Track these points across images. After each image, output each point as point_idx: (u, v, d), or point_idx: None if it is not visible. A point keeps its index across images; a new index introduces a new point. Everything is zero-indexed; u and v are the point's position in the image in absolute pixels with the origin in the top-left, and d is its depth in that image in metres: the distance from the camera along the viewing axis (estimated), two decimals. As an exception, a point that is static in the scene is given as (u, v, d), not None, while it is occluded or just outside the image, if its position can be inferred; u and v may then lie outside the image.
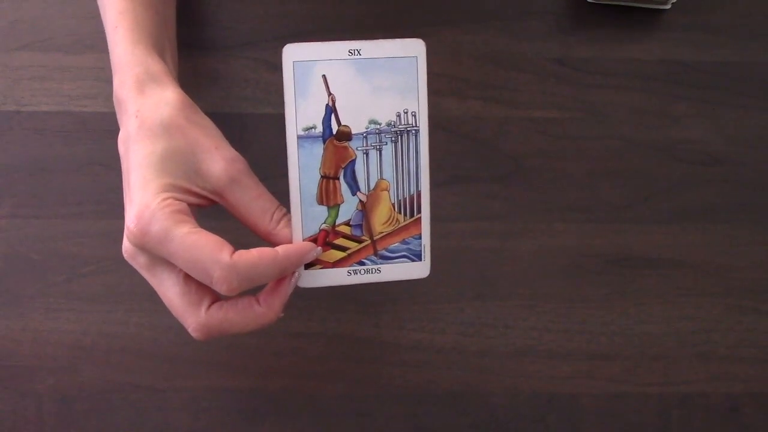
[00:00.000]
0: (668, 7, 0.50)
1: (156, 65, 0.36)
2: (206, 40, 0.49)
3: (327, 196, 0.34)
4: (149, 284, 0.34)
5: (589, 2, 0.50)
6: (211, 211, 0.36)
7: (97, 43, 0.48)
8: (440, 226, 0.47)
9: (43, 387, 0.44)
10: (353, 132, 0.34)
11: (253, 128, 0.48)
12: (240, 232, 0.35)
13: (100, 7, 0.40)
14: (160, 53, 0.38)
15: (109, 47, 0.38)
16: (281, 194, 0.35)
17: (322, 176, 0.34)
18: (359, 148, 0.34)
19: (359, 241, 0.35)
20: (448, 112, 0.49)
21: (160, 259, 0.32)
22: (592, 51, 0.50)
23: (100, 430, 0.44)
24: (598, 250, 0.47)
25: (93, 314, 0.45)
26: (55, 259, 0.46)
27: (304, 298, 0.46)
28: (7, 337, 0.45)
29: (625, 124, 0.49)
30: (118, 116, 0.36)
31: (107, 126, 0.47)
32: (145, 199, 0.32)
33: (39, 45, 0.48)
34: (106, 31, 0.38)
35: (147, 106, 0.34)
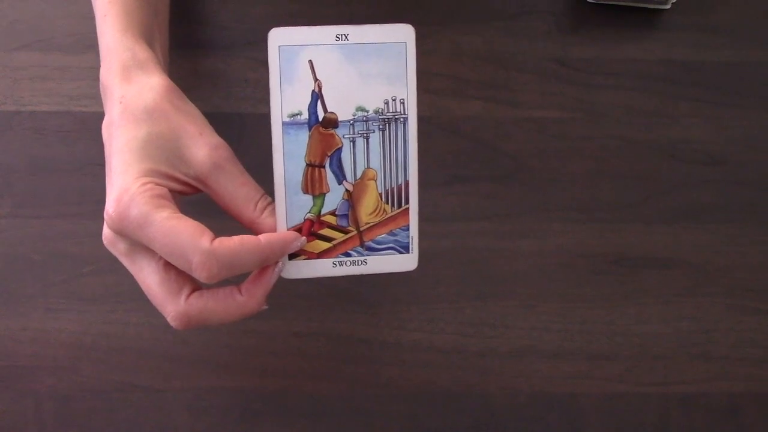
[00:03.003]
0: (668, 7, 0.50)
1: (143, 52, 0.36)
2: (206, 40, 0.49)
3: (312, 185, 0.34)
4: (140, 286, 0.33)
5: (589, 2, 0.50)
6: (197, 201, 0.36)
7: (97, 43, 0.48)
8: (440, 226, 0.47)
9: (43, 387, 0.44)
10: (340, 119, 0.33)
11: (253, 128, 0.48)
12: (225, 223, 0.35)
13: None
14: (149, 42, 0.37)
15: (98, 35, 0.38)
16: (270, 189, 0.34)
17: (307, 164, 0.33)
18: (346, 136, 0.34)
19: (345, 232, 0.34)
20: (448, 112, 0.49)
21: (140, 246, 0.32)
22: (592, 51, 0.50)
23: (100, 430, 0.44)
24: (598, 250, 0.47)
25: (93, 314, 0.45)
26: (55, 259, 0.46)
27: (304, 298, 0.46)
28: (7, 337, 0.45)
29: (625, 124, 0.49)
30: (103, 102, 0.36)
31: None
32: (125, 183, 0.31)
33: (39, 45, 0.48)
34: (96, 20, 0.38)
35: (132, 92, 0.34)
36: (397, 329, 0.46)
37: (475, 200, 0.48)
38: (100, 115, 0.49)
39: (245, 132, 0.48)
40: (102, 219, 0.46)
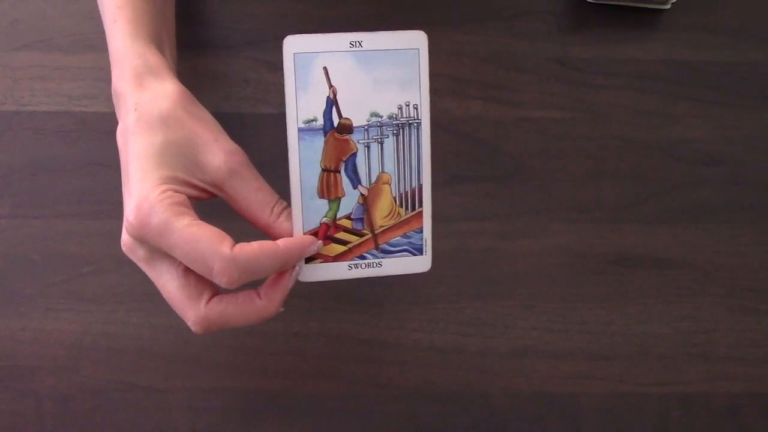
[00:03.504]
0: (668, 7, 0.50)
1: (154, 58, 0.36)
2: (206, 40, 0.49)
3: (328, 190, 0.34)
4: (150, 284, 0.33)
5: (589, 2, 0.50)
6: (211, 208, 0.36)
7: (97, 43, 0.48)
8: (440, 226, 0.47)
9: (43, 387, 0.44)
10: (354, 125, 0.34)
11: (253, 128, 0.48)
12: (241, 228, 0.35)
13: (98, 2, 0.40)
14: (159, 46, 0.38)
15: (108, 41, 0.38)
16: (283, 192, 0.35)
17: (322, 169, 0.34)
18: (360, 141, 0.34)
19: (360, 235, 0.35)
20: (448, 112, 0.49)
21: (160, 252, 0.32)
22: (592, 51, 0.50)
23: (100, 430, 0.44)
24: (598, 250, 0.47)
25: (93, 314, 0.45)
26: (55, 259, 0.46)
27: (305, 298, 0.46)
28: (7, 337, 0.45)
29: (625, 124, 0.49)
30: (116, 109, 0.36)
31: (107, 126, 0.47)
32: (144, 191, 0.31)
33: (39, 45, 0.48)
34: (104, 26, 0.38)
35: (146, 99, 0.34)
36: (398, 329, 0.46)
37: (475, 200, 0.48)
38: (100, 115, 0.49)
39: (245, 132, 0.48)
40: (102, 218, 0.46)
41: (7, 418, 0.44)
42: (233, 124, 0.48)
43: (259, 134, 0.48)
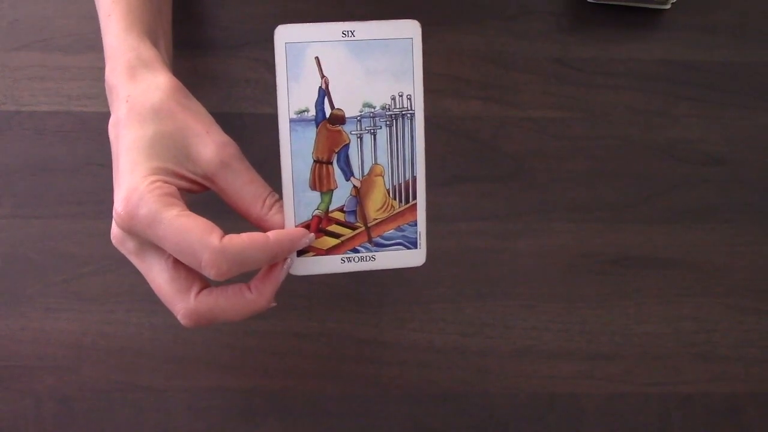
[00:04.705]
0: (668, 7, 0.50)
1: (148, 52, 0.36)
2: (206, 40, 0.49)
3: (320, 181, 0.34)
4: (149, 284, 0.33)
5: (589, 2, 0.50)
6: (203, 200, 0.36)
7: (97, 43, 0.48)
8: (440, 226, 0.47)
9: (43, 387, 0.44)
10: (347, 115, 0.33)
11: (253, 128, 0.48)
12: (234, 227, 0.35)
13: None
14: (153, 41, 0.37)
15: (102, 35, 0.38)
16: (276, 187, 0.34)
17: (314, 161, 0.34)
18: (353, 132, 0.34)
19: (353, 228, 0.35)
20: (448, 112, 0.49)
21: (149, 244, 0.32)
22: (592, 51, 0.50)
23: (100, 430, 0.44)
24: (598, 250, 0.47)
25: (93, 314, 0.45)
26: (55, 259, 0.46)
27: (304, 297, 0.46)
28: (7, 337, 0.45)
29: (625, 124, 0.49)
30: (109, 102, 0.36)
31: (107, 126, 0.47)
32: (133, 182, 0.31)
33: (39, 45, 0.48)
34: (99, 20, 0.38)
35: (138, 91, 0.34)
36: (398, 329, 0.46)
37: (475, 200, 0.48)
38: (100, 115, 0.49)
39: (245, 132, 0.48)
40: (102, 218, 0.46)
41: (7, 418, 0.44)
42: (233, 124, 0.48)
43: (260, 134, 0.48)
